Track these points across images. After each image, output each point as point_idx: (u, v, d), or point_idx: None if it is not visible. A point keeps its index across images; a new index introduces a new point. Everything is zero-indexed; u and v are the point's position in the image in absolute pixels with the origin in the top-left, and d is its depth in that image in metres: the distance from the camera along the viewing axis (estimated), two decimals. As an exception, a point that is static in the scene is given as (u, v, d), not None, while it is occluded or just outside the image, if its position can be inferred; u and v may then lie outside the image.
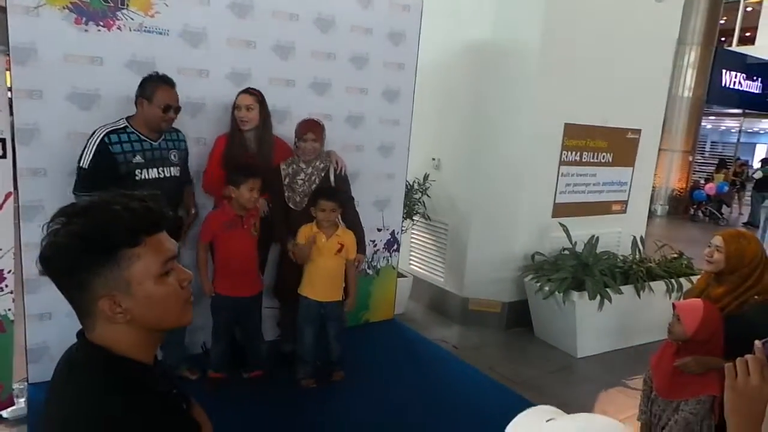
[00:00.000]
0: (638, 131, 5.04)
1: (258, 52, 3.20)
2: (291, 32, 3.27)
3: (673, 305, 2.10)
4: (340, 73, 3.48)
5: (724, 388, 1.00)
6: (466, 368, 3.42)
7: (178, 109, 2.70)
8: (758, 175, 11.21)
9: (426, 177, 4.86)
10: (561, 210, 4.73)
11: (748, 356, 0.98)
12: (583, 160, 4.77)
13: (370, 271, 3.72)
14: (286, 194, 3.02)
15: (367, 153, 3.62)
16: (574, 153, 4.70)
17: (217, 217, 2.86)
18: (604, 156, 4.88)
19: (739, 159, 14.47)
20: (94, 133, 2.58)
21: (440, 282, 5.02)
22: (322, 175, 3.07)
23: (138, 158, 2.63)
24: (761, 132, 17.93)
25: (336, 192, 2.99)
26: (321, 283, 2.93)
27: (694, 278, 4.57)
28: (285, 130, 3.19)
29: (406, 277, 4.72)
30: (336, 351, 3.03)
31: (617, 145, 4.94)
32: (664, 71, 5.23)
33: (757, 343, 1.00)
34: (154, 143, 2.70)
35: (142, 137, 2.66)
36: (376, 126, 3.62)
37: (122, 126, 2.64)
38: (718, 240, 2.11)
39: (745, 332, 1.97)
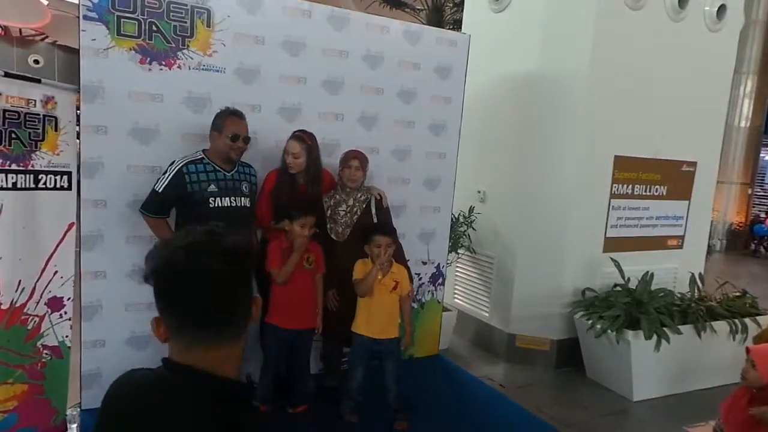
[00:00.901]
0: (694, 164, 4.85)
1: (308, 87, 3.29)
2: (341, 68, 3.35)
3: (747, 349, 1.96)
4: (388, 107, 3.53)
5: None
6: (514, 409, 3.29)
7: (247, 139, 2.83)
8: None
9: (471, 210, 4.81)
10: (612, 245, 4.57)
11: None
12: (635, 193, 4.62)
13: (415, 305, 3.67)
14: (328, 226, 3.05)
15: (413, 186, 3.62)
16: (625, 186, 4.56)
17: (277, 245, 2.91)
18: (657, 189, 4.72)
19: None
20: (173, 162, 2.75)
21: (485, 317, 4.90)
22: (364, 207, 3.09)
23: (212, 187, 2.77)
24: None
25: (391, 228, 3.01)
26: (378, 320, 2.91)
27: (760, 318, 4.29)
28: (333, 161, 3.25)
29: (450, 311, 4.63)
30: (393, 393, 2.93)
31: (671, 178, 4.76)
32: (720, 101, 5.05)
33: None
34: (227, 174, 2.84)
35: (217, 167, 2.81)
36: (422, 159, 3.63)
37: (199, 157, 2.81)
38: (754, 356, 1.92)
39: None
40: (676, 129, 4.66)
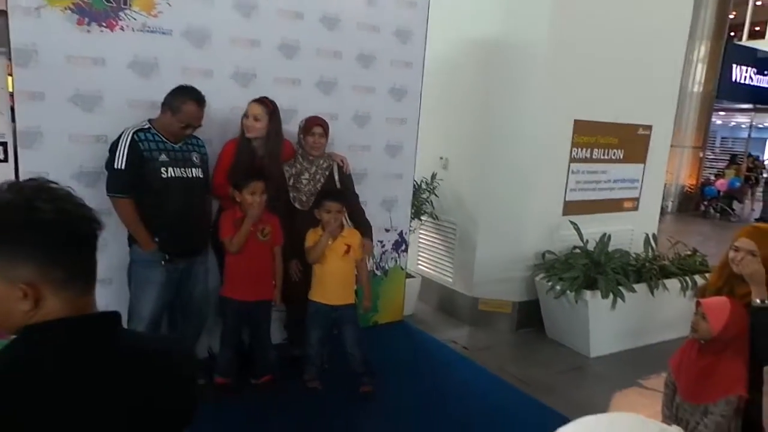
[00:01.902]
0: (649, 127, 4.95)
1: (262, 51, 3.16)
2: (296, 31, 3.22)
3: (698, 302, 2.02)
4: (347, 72, 3.43)
5: None
6: (477, 370, 3.36)
7: (198, 126, 2.71)
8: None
9: (434, 176, 4.80)
10: (572, 208, 4.66)
11: None
12: (594, 157, 4.69)
13: (378, 272, 3.67)
14: (291, 194, 2.98)
15: (374, 153, 3.57)
16: (584, 150, 4.62)
17: (229, 215, 2.83)
18: (615, 153, 4.80)
19: (750, 155, 14.28)
20: (121, 134, 2.60)
21: (449, 282, 4.95)
22: (327, 174, 3.03)
23: (163, 157, 2.65)
24: (772, 127, 17.71)
25: (340, 192, 2.95)
26: (332, 286, 2.88)
27: (709, 275, 4.49)
28: (291, 128, 3.15)
29: (414, 277, 4.66)
30: (358, 358, 2.93)
31: (628, 142, 4.85)
32: (675, 66, 5.14)
33: None
34: (175, 146, 2.72)
35: (164, 139, 2.68)
36: (382, 125, 3.57)
37: (146, 127, 2.67)
38: (748, 243, 1.96)
39: None
40: (632, 93, 4.72)
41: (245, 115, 2.92)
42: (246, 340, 3.12)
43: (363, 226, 3.04)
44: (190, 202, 2.71)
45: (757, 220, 11.11)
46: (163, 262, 2.67)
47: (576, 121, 4.48)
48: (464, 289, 4.78)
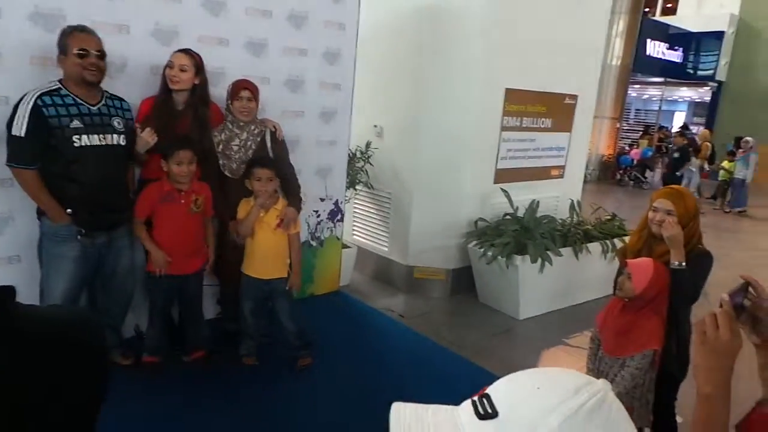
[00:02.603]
0: (575, 97, 5.12)
1: (185, 6, 2.92)
2: (221, -14, 3.00)
3: (625, 263, 2.12)
4: (277, 33, 3.26)
5: (694, 344, 0.98)
6: (414, 336, 3.41)
7: (101, 56, 2.42)
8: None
9: (368, 145, 4.74)
10: (502, 176, 4.77)
11: (716, 310, 0.96)
12: (524, 125, 4.80)
13: (313, 243, 3.59)
14: (220, 162, 2.82)
15: (307, 119, 3.44)
16: (515, 118, 4.71)
17: (153, 190, 2.62)
18: (543, 121, 4.94)
19: (661, 126, 15.26)
20: (23, 97, 2.30)
21: (385, 252, 4.97)
22: (258, 140, 2.89)
23: (76, 122, 2.37)
24: (680, 100, 18.98)
25: (270, 159, 2.82)
26: (263, 260, 2.77)
27: (627, 238, 4.78)
28: (218, 92, 2.96)
29: (350, 247, 4.63)
30: (294, 331, 2.85)
31: (556, 111, 5.00)
32: (598, 38, 5.32)
33: (724, 296, 0.99)
34: (92, 107, 2.43)
35: (79, 100, 2.40)
36: (316, 90, 3.44)
37: (56, 88, 2.37)
38: (665, 203, 2.08)
39: (690, 279, 2.05)
40: (559, 63, 4.84)
41: (169, 66, 2.69)
42: (175, 316, 2.97)
43: (291, 194, 2.90)
44: (108, 172, 2.47)
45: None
46: (78, 237, 2.44)
47: (507, 90, 4.55)
48: (400, 258, 4.81)
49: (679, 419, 2.33)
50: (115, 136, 2.50)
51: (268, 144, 2.92)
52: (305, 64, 3.38)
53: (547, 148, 5.07)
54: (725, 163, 10.50)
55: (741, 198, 9.89)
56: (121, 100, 2.60)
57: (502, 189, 4.62)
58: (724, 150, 11.22)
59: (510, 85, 4.56)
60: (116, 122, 2.53)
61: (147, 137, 2.56)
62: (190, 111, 2.75)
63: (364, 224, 5.16)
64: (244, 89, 2.80)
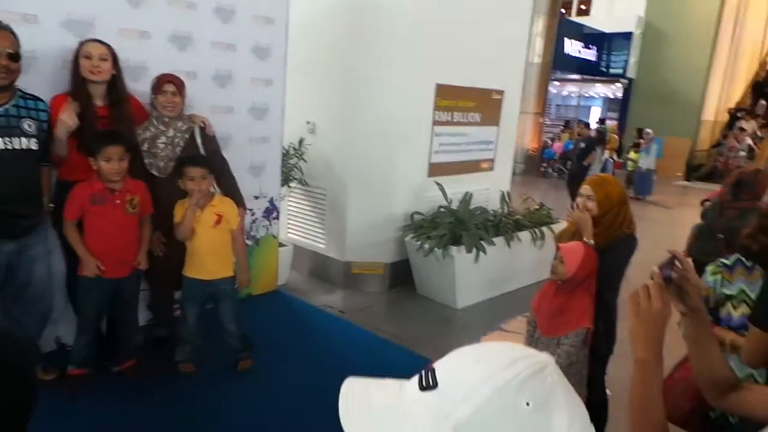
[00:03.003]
0: (502, 92, 5.30)
1: (101, -4, 2.75)
2: (141, -24, 2.85)
3: (558, 247, 2.23)
4: (203, 26, 3.14)
5: (629, 314, 1.04)
6: (355, 330, 3.42)
7: (14, 56, 2.23)
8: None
9: (301, 141, 4.68)
10: (436, 169, 4.86)
11: (648, 282, 1.03)
12: (455, 120, 4.92)
13: (249, 242, 3.50)
14: (146, 161, 2.69)
15: (238, 115, 3.34)
16: (446, 113, 4.81)
17: (83, 190, 2.44)
18: (472, 116, 5.08)
19: (580, 120, 16.11)
20: None
21: (322, 249, 4.93)
22: (187, 137, 2.77)
23: None
24: (596, 96, 20.15)
25: (202, 157, 2.72)
26: (204, 260, 2.65)
27: (554, 226, 5.01)
28: (140, 88, 2.81)
29: (285, 246, 4.56)
30: (236, 334, 2.75)
31: (484, 106, 5.16)
32: (522, 36, 5.54)
33: (655, 268, 1.05)
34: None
35: None
36: (246, 85, 3.35)
37: None
38: (587, 190, 2.25)
39: (615, 261, 2.20)
40: (487, 60, 5.00)
41: (85, 57, 2.50)
42: (102, 326, 2.80)
43: (234, 194, 2.83)
44: (15, 178, 2.27)
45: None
46: None
47: (438, 85, 4.64)
48: (337, 254, 4.79)
49: (609, 392, 2.48)
50: (23, 139, 2.30)
51: (198, 140, 2.81)
52: (234, 59, 3.28)
53: (477, 142, 5.22)
54: (632, 154, 11.26)
55: (646, 186, 10.60)
56: (36, 99, 2.40)
57: (436, 182, 4.71)
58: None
59: (440, 80, 4.65)
60: (26, 124, 2.32)
61: (67, 119, 2.37)
62: (110, 105, 2.59)
63: (299, 222, 5.10)
64: (167, 83, 2.67)
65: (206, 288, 2.67)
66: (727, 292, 1.80)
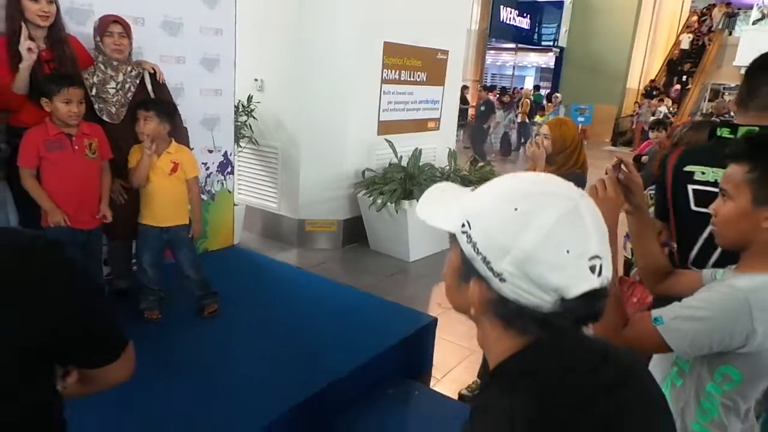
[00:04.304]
0: (446, 52, 5.42)
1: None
2: None
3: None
4: (148, -30, 3.01)
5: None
6: (317, 279, 3.49)
7: None
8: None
9: (250, 99, 4.62)
10: (385, 127, 4.95)
11: (603, 177, 1.20)
12: (402, 78, 5.00)
13: (205, 197, 3.46)
14: (96, 106, 2.59)
15: (189, 65, 3.26)
16: (393, 71, 4.89)
17: (37, 135, 2.31)
18: (419, 75, 5.18)
19: (515, 89, 16.61)
20: None
21: (274, 208, 4.94)
22: (137, 82, 2.70)
23: None
24: (529, 66, 20.79)
25: (160, 101, 2.67)
26: (160, 207, 2.62)
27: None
28: (85, 31, 2.68)
29: (237, 206, 4.52)
30: (196, 280, 2.74)
31: (430, 65, 5.27)
32: (463, -2, 5.65)
33: (609, 167, 1.22)
34: None
35: None
36: (196, 34, 3.25)
37: None
38: (545, 129, 2.45)
39: None
40: (431, 21, 5.08)
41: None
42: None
43: (181, 137, 2.79)
44: None
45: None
46: None
47: (386, 43, 4.69)
48: (290, 212, 4.82)
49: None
50: None
51: (149, 86, 2.74)
52: (182, 5, 3.17)
53: (424, 101, 5.35)
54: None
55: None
56: None
57: (386, 140, 4.80)
58: (568, 111, 12.60)
59: (388, 38, 4.70)
60: None
61: (34, 48, 2.25)
62: (51, 47, 2.47)
63: (250, 181, 5.07)
64: (114, 23, 2.56)
65: (163, 235, 2.65)
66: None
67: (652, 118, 11.71)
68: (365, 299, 3.11)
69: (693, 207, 1.45)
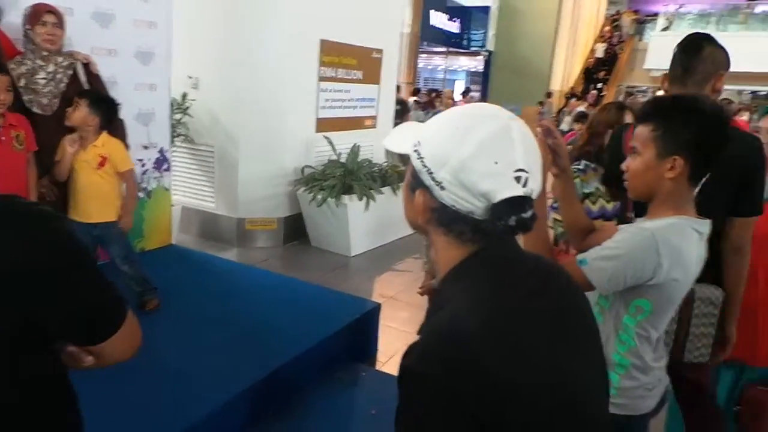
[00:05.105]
0: (381, 51, 5.55)
1: None
2: None
3: None
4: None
5: None
6: (260, 273, 3.49)
7: None
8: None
9: (184, 96, 4.54)
10: (323, 125, 5.00)
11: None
12: (339, 76, 5.07)
13: (141, 194, 3.37)
14: (25, 98, 2.49)
15: (122, 58, 3.18)
16: (330, 69, 4.95)
17: None
18: (355, 73, 5.28)
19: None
20: None
21: (211, 207, 4.86)
22: (70, 73, 2.62)
23: None
24: (459, 69, 21.44)
25: (88, 91, 2.60)
26: (86, 203, 2.54)
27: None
28: (9, 20, 2.57)
29: (173, 205, 4.42)
30: (132, 276, 2.68)
31: (365, 64, 5.38)
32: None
33: (538, 130, 1.34)
34: None
35: None
36: (129, 27, 3.18)
37: None
38: None
39: None
40: (367, 19, 5.19)
41: None
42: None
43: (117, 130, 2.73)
44: None
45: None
46: None
47: (322, 41, 4.75)
48: (228, 211, 4.77)
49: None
50: None
51: (82, 78, 2.66)
52: (113, -2, 3.10)
53: (361, 99, 5.45)
54: None
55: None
56: None
57: (324, 137, 4.85)
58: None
59: (324, 36, 4.77)
60: None
61: None
62: None
63: (185, 181, 4.96)
64: (48, 12, 2.48)
65: (92, 231, 2.57)
66: (586, 191, 2.23)
67: (578, 110, 12.49)
68: (309, 289, 3.17)
69: None
